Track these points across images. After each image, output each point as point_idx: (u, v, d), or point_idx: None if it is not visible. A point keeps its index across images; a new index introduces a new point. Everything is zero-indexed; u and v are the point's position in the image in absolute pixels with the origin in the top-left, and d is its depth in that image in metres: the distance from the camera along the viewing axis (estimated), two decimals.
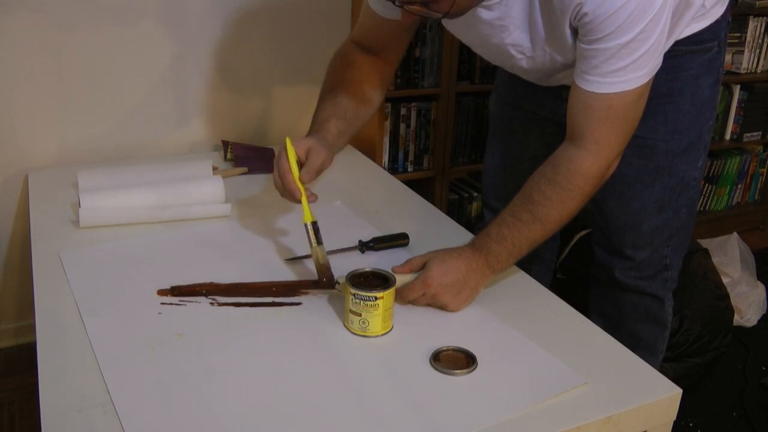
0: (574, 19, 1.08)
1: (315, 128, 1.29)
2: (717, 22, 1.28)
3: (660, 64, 1.11)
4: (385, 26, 1.34)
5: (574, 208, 1.17)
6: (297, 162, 1.20)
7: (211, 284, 1.21)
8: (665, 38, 1.10)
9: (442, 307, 1.16)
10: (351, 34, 1.42)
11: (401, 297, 1.16)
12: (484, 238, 1.18)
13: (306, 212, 1.19)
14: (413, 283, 1.15)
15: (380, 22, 1.34)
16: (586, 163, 1.14)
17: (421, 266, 1.17)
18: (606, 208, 1.42)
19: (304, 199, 1.20)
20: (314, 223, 1.20)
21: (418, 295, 1.15)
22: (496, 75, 1.61)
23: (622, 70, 1.07)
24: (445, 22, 1.29)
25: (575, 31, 1.11)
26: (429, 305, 1.17)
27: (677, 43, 1.24)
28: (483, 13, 1.16)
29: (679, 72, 1.25)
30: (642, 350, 1.09)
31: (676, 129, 1.31)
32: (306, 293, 1.20)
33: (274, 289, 1.21)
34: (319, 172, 1.22)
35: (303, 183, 1.19)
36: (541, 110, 1.47)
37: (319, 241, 1.20)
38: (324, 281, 1.19)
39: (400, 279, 1.15)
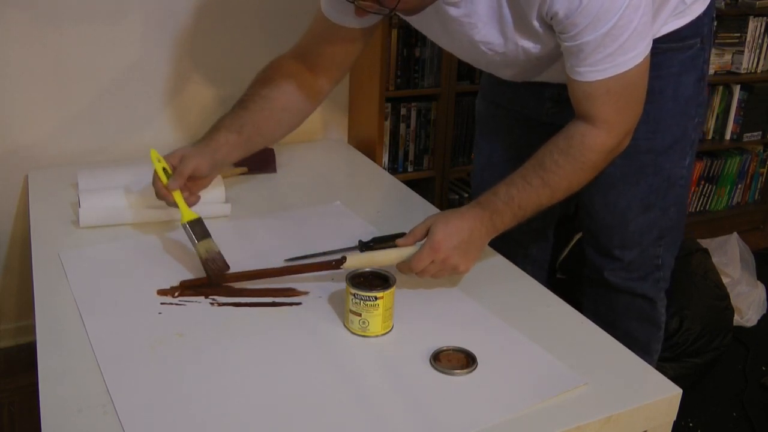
0: (546, 15, 1.09)
1: (204, 136, 1.32)
2: (699, 19, 1.28)
3: (651, 44, 1.12)
4: (333, 38, 1.32)
5: (584, 180, 1.20)
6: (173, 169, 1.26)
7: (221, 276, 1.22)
8: (650, 18, 1.10)
9: (453, 270, 1.16)
10: (293, 47, 1.39)
11: (410, 269, 1.16)
12: (491, 197, 1.19)
13: (183, 213, 1.24)
14: (420, 252, 1.15)
15: (330, 33, 1.32)
16: (599, 138, 1.16)
17: (425, 234, 1.17)
18: (592, 208, 1.43)
19: (179, 201, 1.25)
20: (192, 222, 1.24)
21: (427, 263, 1.15)
22: (482, 75, 1.61)
23: (611, 55, 1.08)
24: (414, 23, 1.28)
25: (544, 23, 1.12)
26: (438, 273, 1.16)
27: (657, 41, 1.23)
28: (450, 9, 1.16)
29: (660, 70, 1.25)
30: (637, 350, 1.09)
31: (657, 128, 1.32)
32: (306, 293, 1.21)
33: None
34: (191, 177, 1.26)
35: (171, 189, 1.24)
36: (524, 109, 1.48)
37: (201, 237, 1.23)
38: (212, 275, 1.20)
39: (406, 252, 1.16)
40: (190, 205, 1.27)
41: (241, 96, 1.36)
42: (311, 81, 1.37)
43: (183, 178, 1.24)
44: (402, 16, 1.19)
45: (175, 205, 1.26)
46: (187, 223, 1.24)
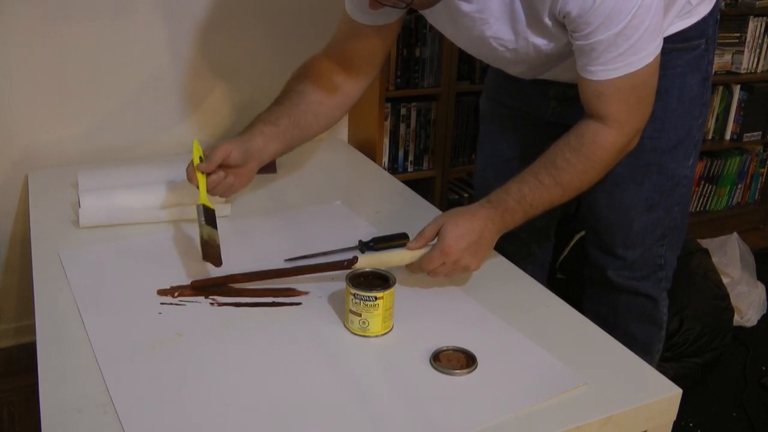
0: (558, 14, 1.09)
1: (244, 128, 1.37)
2: (704, 20, 1.29)
3: (662, 44, 1.13)
4: (360, 36, 1.35)
5: (595, 179, 1.21)
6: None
7: (230, 276, 1.22)
8: (662, 18, 1.11)
9: (464, 270, 1.18)
10: (325, 47, 1.42)
11: (420, 269, 1.17)
12: (503, 195, 1.19)
13: (200, 195, 1.28)
14: (431, 254, 1.15)
15: (356, 31, 1.35)
16: (610, 137, 1.17)
17: (435, 235, 1.17)
18: (596, 207, 1.43)
19: (201, 184, 1.28)
20: (206, 207, 1.27)
21: (437, 264, 1.15)
22: (487, 74, 1.61)
23: (623, 55, 1.09)
24: (428, 17, 1.29)
25: (556, 21, 1.12)
26: (450, 273, 1.17)
27: (663, 41, 1.24)
28: (462, 5, 1.17)
29: (666, 70, 1.25)
30: (638, 350, 1.10)
31: (663, 127, 1.32)
32: (306, 293, 1.21)
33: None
34: (226, 166, 1.29)
35: (199, 170, 1.28)
36: (528, 108, 1.48)
37: (208, 223, 1.25)
38: (204, 256, 1.22)
39: (417, 252, 1.17)
40: (234, 189, 1.32)
41: (278, 93, 1.40)
42: (344, 78, 1.40)
43: (212, 163, 1.27)
44: (416, 9, 1.19)
45: (197, 185, 1.29)
46: (202, 204, 1.27)
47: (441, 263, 1.15)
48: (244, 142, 1.32)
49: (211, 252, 1.22)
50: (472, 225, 1.16)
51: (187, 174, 1.30)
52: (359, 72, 1.40)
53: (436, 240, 1.17)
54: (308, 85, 1.38)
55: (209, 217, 1.26)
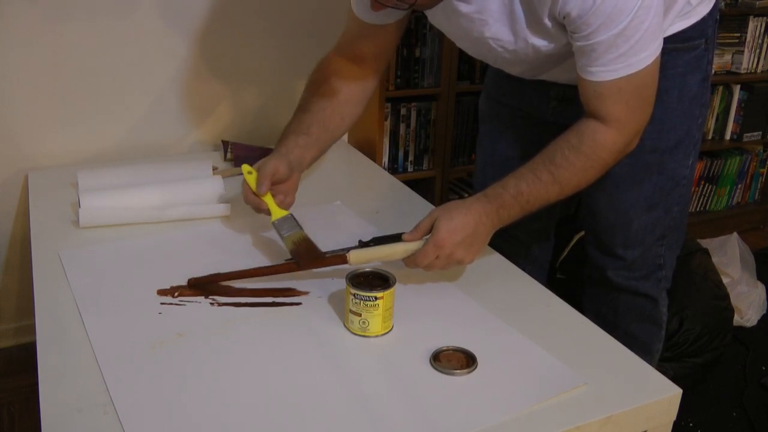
0: (558, 15, 1.09)
1: (277, 143, 1.37)
2: (703, 20, 1.29)
3: (662, 44, 1.13)
4: (369, 34, 1.36)
5: (593, 178, 1.20)
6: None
7: (228, 273, 1.22)
8: (662, 18, 1.11)
9: (458, 263, 1.17)
10: (335, 45, 1.43)
11: (415, 263, 1.17)
12: (499, 190, 1.19)
13: (273, 213, 1.28)
14: (425, 249, 1.15)
15: (365, 30, 1.35)
16: (610, 137, 1.16)
17: (430, 228, 1.17)
18: (596, 207, 1.43)
19: (269, 202, 1.27)
20: (281, 219, 1.27)
21: (432, 258, 1.15)
22: (486, 73, 1.62)
23: (623, 56, 1.09)
24: (429, 16, 1.29)
25: (556, 22, 1.12)
26: (444, 267, 1.17)
27: (663, 41, 1.24)
28: (461, 6, 1.17)
29: (665, 70, 1.25)
30: (638, 350, 1.10)
31: (663, 127, 1.32)
32: (306, 293, 1.21)
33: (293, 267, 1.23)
34: (273, 182, 1.29)
35: (261, 194, 1.27)
36: (528, 108, 1.48)
37: (289, 231, 1.26)
38: (301, 261, 1.22)
39: (411, 246, 1.17)
40: (287, 204, 1.31)
41: (299, 101, 1.41)
42: (360, 74, 1.41)
43: (267, 180, 1.26)
44: (418, 10, 1.19)
45: (266, 212, 1.28)
46: (275, 221, 1.27)
47: (435, 256, 1.15)
48: (285, 156, 1.32)
49: (304, 254, 1.22)
50: (467, 219, 1.16)
51: (248, 200, 1.29)
52: (372, 67, 1.41)
53: (431, 233, 1.17)
54: (330, 88, 1.39)
55: (286, 225, 1.27)
